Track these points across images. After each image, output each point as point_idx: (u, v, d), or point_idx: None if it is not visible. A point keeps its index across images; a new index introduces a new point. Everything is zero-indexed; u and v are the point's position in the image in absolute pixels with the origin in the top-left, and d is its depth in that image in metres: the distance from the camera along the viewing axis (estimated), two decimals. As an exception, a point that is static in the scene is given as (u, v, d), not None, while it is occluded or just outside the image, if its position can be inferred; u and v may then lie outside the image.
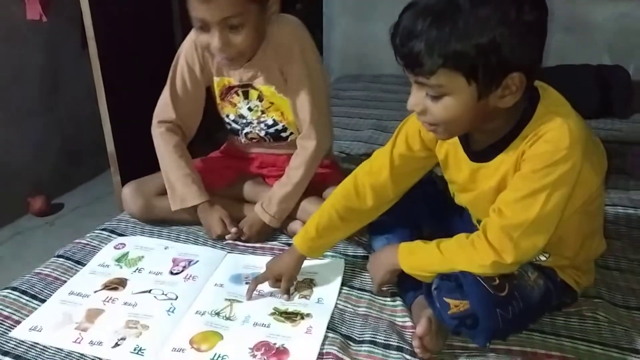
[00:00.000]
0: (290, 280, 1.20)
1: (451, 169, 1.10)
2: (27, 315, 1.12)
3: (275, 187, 1.41)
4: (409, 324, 1.10)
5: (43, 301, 1.16)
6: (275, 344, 1.05)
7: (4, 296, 1.16)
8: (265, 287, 1.22)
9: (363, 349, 1.04)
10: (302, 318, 1.12)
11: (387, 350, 1.03)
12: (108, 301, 1.17)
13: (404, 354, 1.02)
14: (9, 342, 1.04)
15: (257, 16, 1.22)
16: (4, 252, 2.25)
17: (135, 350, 1.04)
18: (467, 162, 1.04)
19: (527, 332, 1.07)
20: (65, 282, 1.23)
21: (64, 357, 1.02)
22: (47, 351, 1.03)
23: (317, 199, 1.41)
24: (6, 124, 2.43)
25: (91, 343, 1.05)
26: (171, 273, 1.27)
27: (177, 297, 1.19)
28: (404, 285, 1.14)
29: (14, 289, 1.19)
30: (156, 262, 1.31)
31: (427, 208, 1.22)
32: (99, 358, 1.02)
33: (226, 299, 1.18)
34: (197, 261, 1.31)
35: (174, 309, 1.15)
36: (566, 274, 1.09)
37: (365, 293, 1.20)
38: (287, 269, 1.19)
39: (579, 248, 1.07)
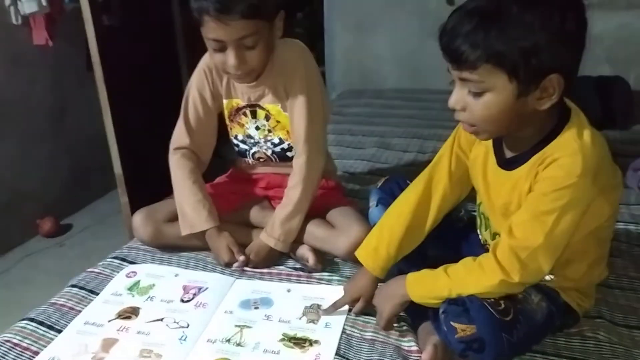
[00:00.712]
0: (368, 301, 1.21)
1: (478, 176, 1.14)
2: (45, 346, 1.15)
3: (277, 210, 1.44)
4: (415, 348, 1.13)
5: (60, 331, 1.20)
6: None
7: (22, 327, 1.20)
8: (274, 312, 1.25)
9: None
10: (311, 345, 1.16)
11: (394, 375, 1.06)
12: (122, 330, 1.21)
13: (411, 379, 1.05)
14: (28, 374, 1.08)
15: (268, 34, 1.30)
16: (15, 274, 2.30)
17: None
18: (493, 168, 1.08)
19: (530, 354, 1.10)
20: (79, 311, 1.27)
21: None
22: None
23: (322, 222, 1.45)
24: (15, 147, 2.48)
25: None
26: (182, 301, 1.30)
27: (188, 325, 1.22)
28: (410, 310, 1.17)
29: (32, 319, 1.22)
30: (167, 289, 1.34)
31: (434, 232, 1.24)
32: None
33: (236, 325, 1.22)
34: (207, 288, 1.35)
35: (186, 337, 1.18)
36: (569, 296, 1.12)
37: (372, 318, 1.22)
38: (365, 291, 1.21)
39: (585, 272, 1.10)
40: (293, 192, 1.43)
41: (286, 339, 1.18)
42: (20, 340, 1.16)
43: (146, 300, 1.31)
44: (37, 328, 1.20)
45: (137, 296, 1.32)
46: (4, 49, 2.38)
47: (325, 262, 1.42)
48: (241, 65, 1.29)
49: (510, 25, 0.87)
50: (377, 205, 1.32)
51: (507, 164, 1.05)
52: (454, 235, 1.27)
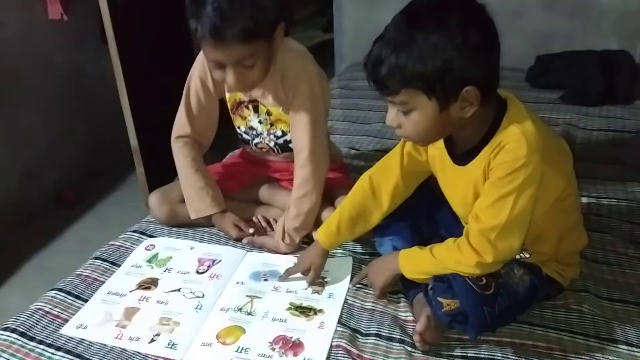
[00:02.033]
0: (317, 270, 1.33)
1: (438, 172, 1.24)
2: (73, 314, 1.27)
3: (287, 220, 1.44)
4: (411, 318, 1.23)
5: (86, 300, 1.31)
6: (291, 337, 1.19)
7: (52, 296, 1.31)
8: (282, 283, 1.36)
9: (369, 341, 1.17)
10: (315, 313, 1.26)
11: (391, 343, 1.16)
12: (142, 300, 1.31)
13: (406, 346, 1.15)
14: (60, 339, 1.19)
15: (267, 50, 1.31)
16: (39, 245, 2.40)
17: (169, 345, 1.18)
18: (450, 165, 1.17)
19: (517, 324, 1.19)
20: (103, 282, 1.38)
21: (107, 352, 1.17)
22: (92, 346, 1.18)
23: (328, 208, 1.50)
24: (32, 121, 2.57)
25: (130, 339, 1.19)
26: (197, 272, 1.41)
27: (203, 295, 1.33)
28: (406, 284, 1.26)
29: (60, 290, 1.33)
30: (183, 262, 1.44)
31: (426, 212, 1.34)
32: (138, 352, 1.16)
33: (247, 296, 1.32)
34: (220, 260, 1.45)
35: (201, 306, 1.29)
36: (550, 269, 1.20)
37: (372, 290, 1.31)
38: (314, 261, 1.33)
39: (558, 244, 1.19)
40: (303, 203, 1.44)
41: (293, 308, 1.28)
42: (51, 309, 1.27)
43: (164, 272, 1.41)
44: (66, 297, 1.31)
45: (155, 268, 1.42)
46: (20, 23, 2.45)
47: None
48: (240, 83, 1.31)
49: (418, 50, 0.95)
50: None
51: (460, 160, 1.14)
52: (443, 212, 1.34)
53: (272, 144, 1.57)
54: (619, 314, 1.23)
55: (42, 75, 2.59)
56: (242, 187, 1.62)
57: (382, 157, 1.49)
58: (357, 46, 3.29)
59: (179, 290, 1.35)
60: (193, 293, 1.33)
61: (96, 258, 1.47)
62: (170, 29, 2.88)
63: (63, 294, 1.32)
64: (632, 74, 2.41)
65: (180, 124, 1.54)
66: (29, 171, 2.58)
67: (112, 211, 2.65)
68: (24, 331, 1.20)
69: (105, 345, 1.18)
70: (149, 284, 1.37)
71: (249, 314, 1.27)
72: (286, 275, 1.36)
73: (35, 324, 1.22)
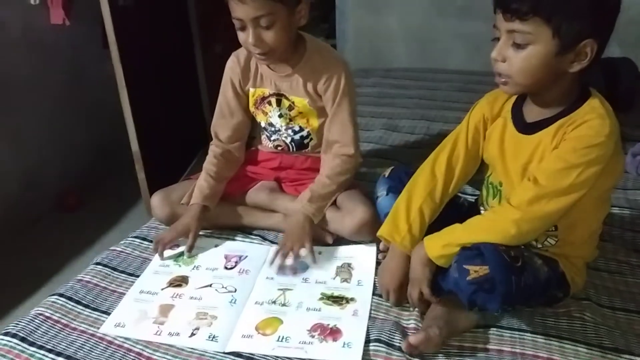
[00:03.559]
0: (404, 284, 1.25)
1: (494, 144, 1.23)
2: (74, 319, 1.26)
3: (314, 187, 1.50)
4: (413, 325, 1.23)
5: (86, 306, 1.31)
6: (328, 324, 1.22)
7: (52, 302, 1.31)
8: (311, 274, 1.38)
9: (370, 347, 1.16)
10: (348, 302, 1.29)
11: (391, 349, 1.15)
12: (175, 297, 1.33)
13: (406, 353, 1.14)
14: (60, 344, 1.18)
15: (286, 18, 1.37)
16: (40, 249, 2.40)
17: (209, 337, 1.20)
18: (512, 135, 1.19)
19: (519, 332, 1.19)
20: (104, 288, 1.37)
21: (109, 355, 1.17)
22: (94, 351, 1.18)
23: (335, 209, 1.52)
24: (34, 125, 2.57)
25: (170, 334, 1.22)
26: (226, 268, 1.43)
27: (235, 289, 1.35)
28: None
29: (61, 295, 1.33)
30: (210, 259, 1.47)
31: (439, 217, 1.30)
32: (179, 347, 1.18)
33: (278, 289, 1.35)
34: (247, 256, 1.47)
35: (235, 300, 1.31)
36: (566, 266, 1.20)
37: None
38: (404, 274, 1.25)
39: (585, 240, 1.21)
40: (339, 178, 1.51)
41: (325, 297, 1.31)
42: (51, 314, 1.27)
43: (193, 269, 1.44)
44: (66, 303, 1.31)
45: (183, 266, 1.45)
46: (23, 27, 2.45)
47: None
48: (258, 44, 1.37)
49: None
50: (387, 194, 1.39)
51: (528, 129, 1.15)
52: (456, 219, 1.34)
53: (288, 140, 1.61)
54: (621, 322, 1.23)
55: (44, 79, 2.60)
56: (242, 191, 1.62)
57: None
58: (360, 52, 3.33)
59: (210, 285, 1.37)
60: (225, 288, 1.36)
61: (97, 263, 1.46)
62: (172, 34, 2.92)
63: (64, 299, 1.32)
64: (634, 81, 2.41)
65: (214, 125, 1.63)
66: (30, 176, 2.58)
67: (114, 216, 2.65)
68: (24, 336, 1.20)
69: (117, 349, 1.18)
70: (179, 281, 1.39)
71: (284, 305, 1.30)
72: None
73: (35, 329, 1.22)
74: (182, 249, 1.49)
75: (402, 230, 1.25)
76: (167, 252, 1.47)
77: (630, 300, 1.28)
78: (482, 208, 1.32)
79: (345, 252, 1.46)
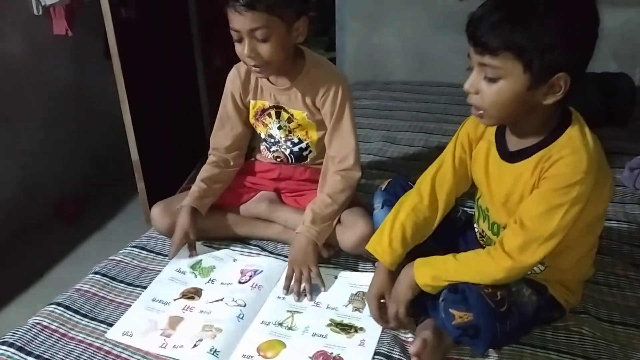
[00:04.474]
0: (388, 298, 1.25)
1: (479, 168, 1.23)
2: (72, 329, 1.26)
3: (316, 209, 1.47)
4: (411, 339, 1.22)
5: (84, 315, 1.31)
6: (332, 353, 1.20)
7: (50, 311, 1.31)
8: (322, 299, 1.36)
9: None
10: (356, 331, 1.26)
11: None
12: (186, 310, 1.33)
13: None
14: (58, 354, 1.18)
15: (283, 33, 1.37)
16: (38, 258, 2.39)
17: (210, 350, 1.19)
18: (495, 160, 1.18)
19: (518, 346, 1.19)
20: (103, 297, 1.37)
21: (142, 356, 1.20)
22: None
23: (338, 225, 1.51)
24: (34, 135, 2.57)
25: (174, 347, 1.21)
26: (239, 282, 1.43)
27: (245, 304, 1.34)
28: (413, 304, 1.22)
29: (59, 304, 1.33)
30: (226, 273, 1.46)
31: (435, 231, 1.30)
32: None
33: (288, 311, 1.33)
34: (261, 271, 1.46)
35: (243, 315, 1.30)
36: (555, 290, 1.20)
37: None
38: (387, 287, 1.24)
39: (573, 265, 1.19)
40: (339, 196, 1.50)
41: (333, 324, 1.28)
42: (49, 323, 1.27)
43: (208, 282, 1.43)
44: (64, 312, 1.31)
45: (199, 277, 1.45)
46: (26, 38, 2.47)
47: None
48: (253, 55, 1.37)
49: (535, 23, 0.96)
50: (382, 208, 1.39)
51: (510, 157, 1.14)
52: (453, 233, 1.35)
53: (287, 151, 1.62)
54: (620, 336, 1.23)
55: (45, 89, 2.60)
56: (241, 201, 1.63)
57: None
58: (359, 65, 3.35)
59: (222, 299, 1.36)
60: (235, 301, 1.35)
61: (96, 273, 1.46)
62: (173, 46, 2.94)
63: (62, 309, 1.31)
64: (630, 96, 2.42)
65: (212, 135, 1.64)
66: (29, 185, 2.58)
67: (113, 226, 2.65)
68: (22, 345, 1.19)
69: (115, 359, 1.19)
70: (192, 293, 1.39)
71: (290, 328, 1.28)
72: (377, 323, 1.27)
73: (33, 339, 1.22)
74: (200, 256, 1.50)
75: (384, 244, 1.25)
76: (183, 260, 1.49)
77: (628, 314, 1.28)
78: (476, 225, 1.32)
79: (361, 280, 1.40)
